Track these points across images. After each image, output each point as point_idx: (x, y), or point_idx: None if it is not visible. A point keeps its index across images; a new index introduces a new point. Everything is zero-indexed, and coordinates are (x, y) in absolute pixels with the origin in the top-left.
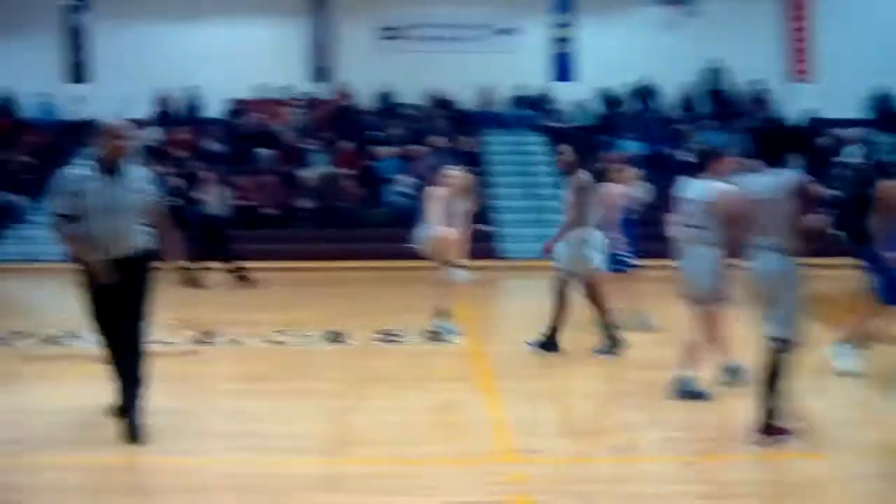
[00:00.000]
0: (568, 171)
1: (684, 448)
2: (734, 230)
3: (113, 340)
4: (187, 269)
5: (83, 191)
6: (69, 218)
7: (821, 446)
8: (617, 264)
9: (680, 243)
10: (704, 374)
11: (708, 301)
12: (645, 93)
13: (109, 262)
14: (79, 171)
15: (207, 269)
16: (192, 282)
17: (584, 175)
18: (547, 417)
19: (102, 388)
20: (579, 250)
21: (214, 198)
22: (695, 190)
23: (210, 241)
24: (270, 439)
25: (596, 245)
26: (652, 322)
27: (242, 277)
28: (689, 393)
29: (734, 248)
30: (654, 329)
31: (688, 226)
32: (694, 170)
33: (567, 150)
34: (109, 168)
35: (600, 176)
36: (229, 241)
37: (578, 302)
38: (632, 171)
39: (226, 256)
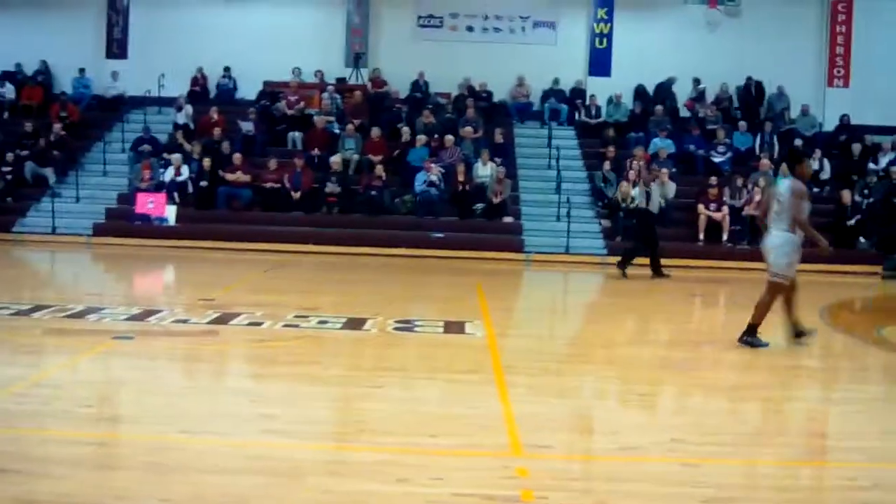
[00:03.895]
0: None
1: (690, 450)
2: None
3: None
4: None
5: None
6: None
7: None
8: None
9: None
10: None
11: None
12: (674, 91)
13: None
14: None
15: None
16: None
17: None
18: (556, 413)
19: (119, 363)
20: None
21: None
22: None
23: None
24: (282, 423)
25: None
26: None
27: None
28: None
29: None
30: None
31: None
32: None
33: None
34: None
35: None
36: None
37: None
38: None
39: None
